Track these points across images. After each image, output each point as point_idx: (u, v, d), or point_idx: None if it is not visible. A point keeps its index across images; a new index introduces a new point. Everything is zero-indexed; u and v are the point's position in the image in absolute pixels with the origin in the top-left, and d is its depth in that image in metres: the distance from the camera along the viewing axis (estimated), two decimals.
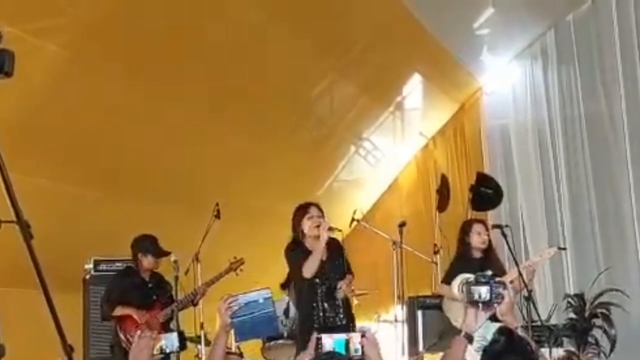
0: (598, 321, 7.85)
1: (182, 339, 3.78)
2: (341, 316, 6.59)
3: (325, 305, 6.56)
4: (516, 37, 10.37)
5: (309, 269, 6.37)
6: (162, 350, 3.67)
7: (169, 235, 7.36)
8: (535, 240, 10.12)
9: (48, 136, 7.08)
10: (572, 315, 8.05)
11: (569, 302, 8.08)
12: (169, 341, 3.71)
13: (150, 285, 7.27)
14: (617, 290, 8.13)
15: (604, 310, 7.86)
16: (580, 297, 8.10)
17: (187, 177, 8.41)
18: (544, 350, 7.25)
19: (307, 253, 6.40)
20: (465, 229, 7.21)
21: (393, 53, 9.22)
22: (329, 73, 9.14)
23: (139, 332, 3.85)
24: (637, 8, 9.75)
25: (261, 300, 3.39)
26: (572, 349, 7.52)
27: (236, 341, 3.44)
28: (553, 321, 8.15)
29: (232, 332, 3.47)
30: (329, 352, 3.35)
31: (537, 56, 10.53)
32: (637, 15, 9.75)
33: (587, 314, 7.93)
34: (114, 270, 7.75)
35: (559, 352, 7.29)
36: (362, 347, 3.57)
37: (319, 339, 3.60)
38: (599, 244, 9.85)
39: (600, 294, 8.05)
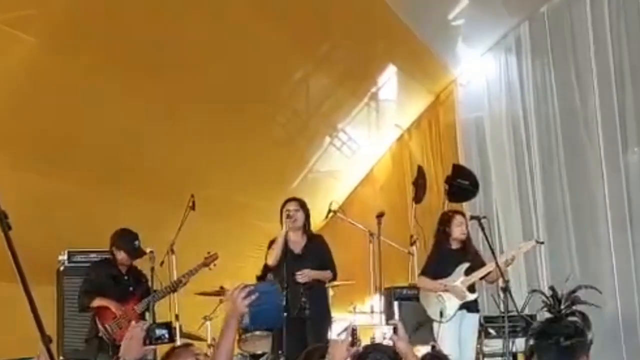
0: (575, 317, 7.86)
1: (169, 330, 3.76)
2: (306, 308, 6.67)
3: (289, 297, 6.61)
4: (490, 28, 10.34)
5: (271, 256, 6.86)
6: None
7: (146, 227, 7.36)
8: (509, 232, 10.15)
9: (20, 128, 7.02)
10: (547, 315, 8.05)
11: (543, 300, 8.10)
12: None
13: (126, 277, 7.27)
14: (592, 287, 8.12)
15: (580, 309, 7.87)
16: (554, 294, 8.10)
17: (164, 170, 8.37)
18: (519, 341, 7.29)
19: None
20: (446, 220, 7.21)
21: (368, 43, 9.19)
22: (303, 64, 9.10)
23: (133, 322, 3.87)
24: (611, 0, 9.78)
25: (273, 292, 3.48)
26: None
27: (249, 330, 3.52)
28: (527, 312, 8.20)
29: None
30: (370, 345, 3.41)
31: (511, 48, 10.48)
32: (611, 8, 9.75)
33: (562, 311, 7.94)
34: (88, 261, 7.67)
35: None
36: (394, 341, 3.80)
37: (354, 330, 3.74)
38: (572, 236, 9.89)
39: (574, 291, 8.06)
